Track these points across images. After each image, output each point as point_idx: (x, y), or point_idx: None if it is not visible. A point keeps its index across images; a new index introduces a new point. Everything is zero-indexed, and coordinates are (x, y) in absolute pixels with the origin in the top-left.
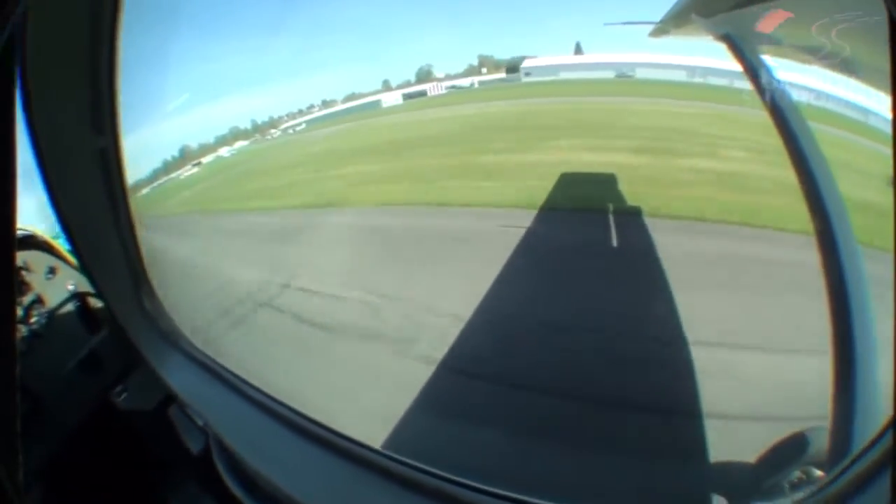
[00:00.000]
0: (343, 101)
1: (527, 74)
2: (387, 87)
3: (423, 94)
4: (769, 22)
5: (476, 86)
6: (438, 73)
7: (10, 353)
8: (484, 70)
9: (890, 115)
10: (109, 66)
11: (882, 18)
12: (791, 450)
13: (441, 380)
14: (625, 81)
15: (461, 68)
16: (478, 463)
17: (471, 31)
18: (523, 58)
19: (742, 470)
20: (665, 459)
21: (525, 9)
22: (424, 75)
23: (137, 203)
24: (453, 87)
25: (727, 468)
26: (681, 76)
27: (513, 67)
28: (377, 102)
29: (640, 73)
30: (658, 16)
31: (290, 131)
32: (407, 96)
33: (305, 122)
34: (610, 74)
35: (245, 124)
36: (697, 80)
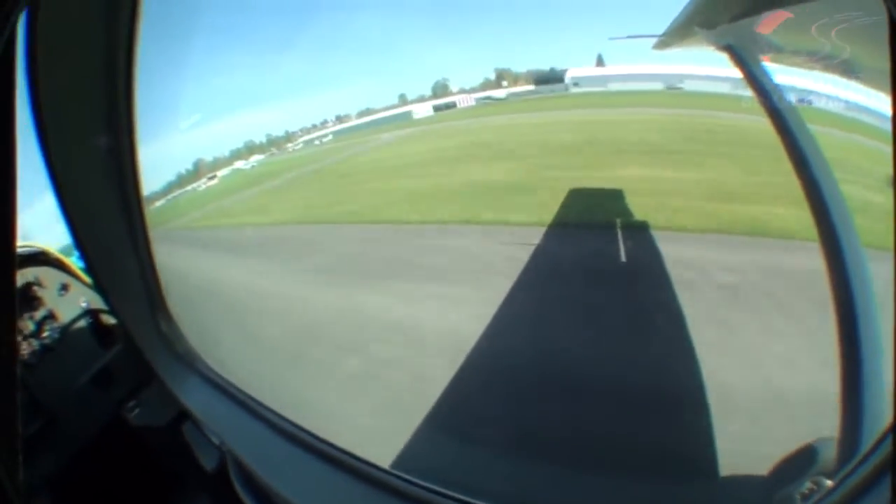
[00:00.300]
0: (358, 116)
1: (575, 84)
2: (403, 100)
3: (453, 105)
4: (768, 24)
5: (510, 97)
6: (453, 87)
7: (11, 356)
8: (505, 83)
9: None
10: (126, 80)
11: (882, 18)
12: (801, 461)
13: None
14: (681, 94)
15: (476, 81)
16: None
17: (475, 45)
18: (553, 70)
19: (753, 482)
20: (676, 472)
21: (525, 23)
22: (441, 89)
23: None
24: (488, 98)
25: (738, 481)
26: (725, 88)
27: (543, 79)
28: (408, 113)
29: (687, 85)
30: (660, 28)
31: (319, 140)
32: (437, 108)
33: (350, 128)
34: (658, 86)
35: (274, 134)
36: (740, 91)
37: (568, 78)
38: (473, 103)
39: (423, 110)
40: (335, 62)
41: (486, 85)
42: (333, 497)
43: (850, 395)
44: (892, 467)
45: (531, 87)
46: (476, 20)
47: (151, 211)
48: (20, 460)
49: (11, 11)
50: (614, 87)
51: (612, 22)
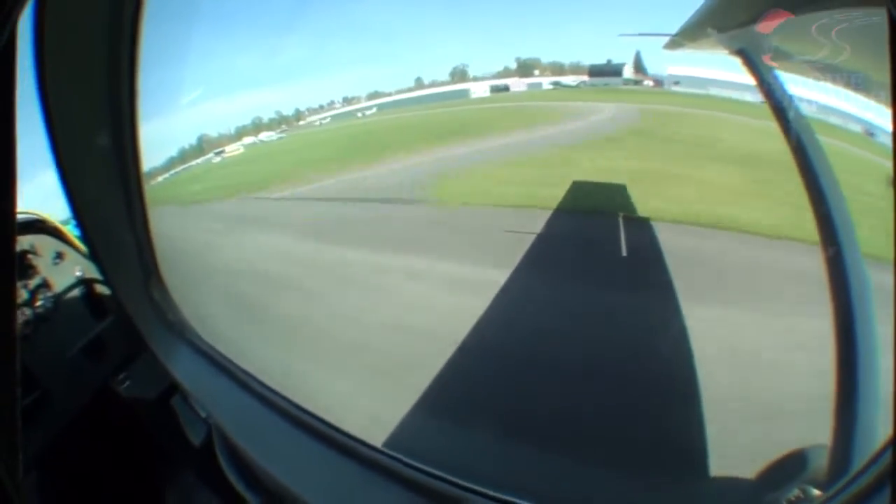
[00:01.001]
0: (367, 99)
1: (675, 83)
2: (420, 84)
3: (506, 88)
4: (768, 23)
5: (581, 85)
6: (471, 73)
7: (11, 355)
8: (536, 72)
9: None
10: (130, 56)
11: (882, 18)
12: (790, 467)
13: None
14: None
15: (493, 69)
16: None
17: (484, 34)
18: (609, 62)
19: (740, 486)
20: (663, 475)
21: (531, 15)
22: (459, 75)
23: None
24: (557, 83)
25: (725, 484)
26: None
27: (598, 71)
28: (466, 91)
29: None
30: (673, 28)
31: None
32: (493, 88)
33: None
34: (752, 98)
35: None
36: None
37: (667, 75)
38: (525, 88)
39: (480, 90)
40: (343, 46)
41: (506, 73)
42: (317, 473)
43: (844, 405)
44: (892, 481)
45: (584, 78)
46: (484, 10)
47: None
48: (20, 459)
49: (13, 8)
50: (715, 92)
51: (624, 18)
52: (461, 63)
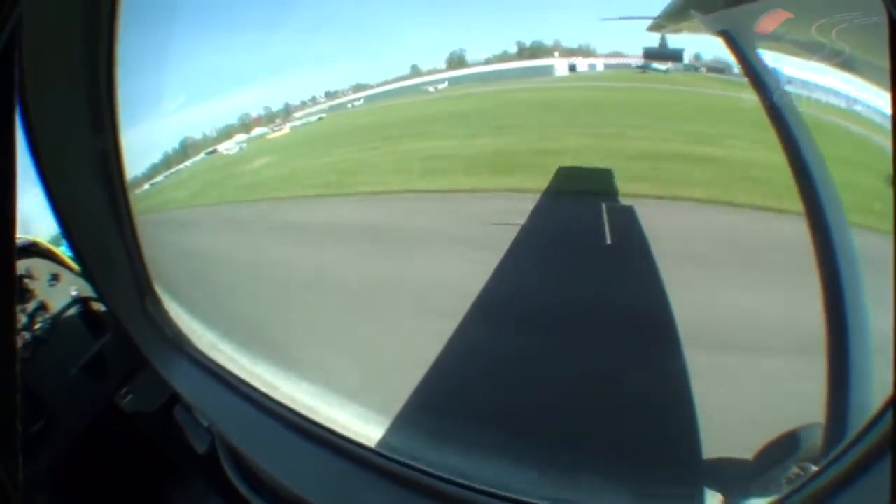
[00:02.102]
0: (352, 90)
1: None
2: (416, 72)
3: (573, 68)
4: (769, 22)
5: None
6: (469, 59)
7: (11, 355)
8: (556, 53)
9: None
10: (108, 67)
11: (882, 18)
12: (787, 446)
13: None
14: None
15: (489, 53)
16: None
17: (473, 18)
18: (663, 44)
19: (737, 465)
20: (660, 454)
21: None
22: (458, 60)
23: None
24: (645, 66)
25: (722, 463)
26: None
27: (656, 54)
28: (551, 67)
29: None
30: (655, 11)
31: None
32: (570, 67)
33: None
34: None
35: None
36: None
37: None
38: (586, 68)
39: (562, 68)
40: (325, 40)
41: (505, 58)
42: (321, 476)
43: (837, 383)
44: (892, 443)
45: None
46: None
47: None
48: (20, 460)
49: (12, 11)
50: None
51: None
52: (459, 48)
